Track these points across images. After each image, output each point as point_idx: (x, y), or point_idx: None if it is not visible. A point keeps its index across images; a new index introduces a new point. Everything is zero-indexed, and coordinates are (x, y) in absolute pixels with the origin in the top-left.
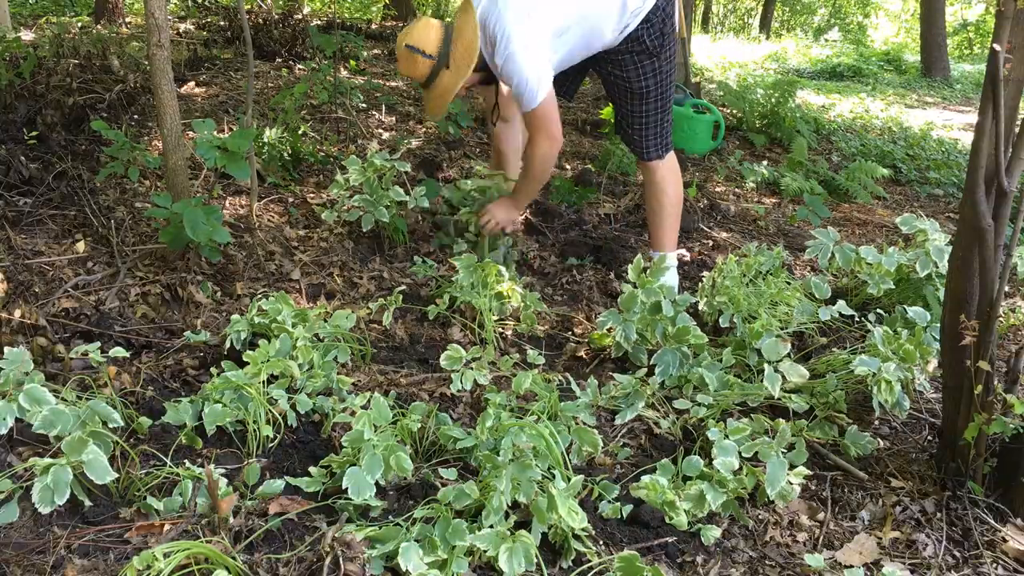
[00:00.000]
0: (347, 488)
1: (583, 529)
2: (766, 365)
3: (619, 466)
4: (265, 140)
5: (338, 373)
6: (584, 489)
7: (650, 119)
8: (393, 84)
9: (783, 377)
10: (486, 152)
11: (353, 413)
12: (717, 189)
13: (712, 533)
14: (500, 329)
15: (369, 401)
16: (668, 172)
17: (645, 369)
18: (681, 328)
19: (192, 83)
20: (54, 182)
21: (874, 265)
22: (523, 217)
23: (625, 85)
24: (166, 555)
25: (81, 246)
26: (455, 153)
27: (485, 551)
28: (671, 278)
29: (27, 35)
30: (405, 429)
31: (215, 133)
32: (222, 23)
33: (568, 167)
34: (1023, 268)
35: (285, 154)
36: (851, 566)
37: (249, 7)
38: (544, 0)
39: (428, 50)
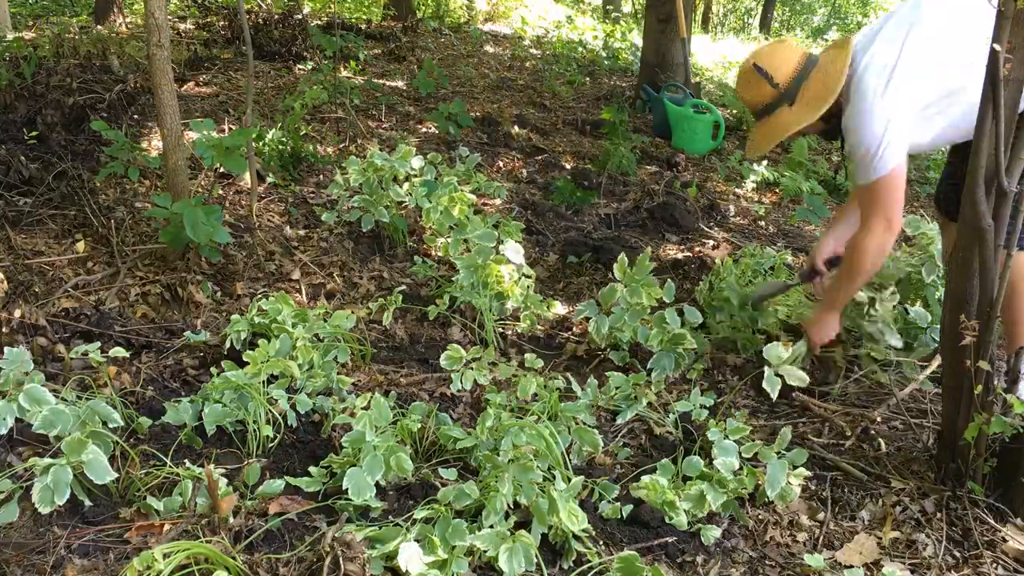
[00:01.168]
0: (347, 489)
1: (583, 530)
2: (766, 368)
3: (619, 466)
4: (266, 140)
5: (338, 373)
6: (584, 489)
7: None
8: (393, 84)
9: (782, 380)
10: (486, 153)
11: (353, 414)
12: (717, 189)
13: (712, 533)
14: (500, 329)
15: (369, 402)
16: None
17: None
18: (678, 334)
19: (192, 83)
20: (54, 182)
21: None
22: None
23: None
24: (166, 555)
25: (81, 246)
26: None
27: (485, 551)
28: None
29: (27, 35)
30: (405, 429)
31: (214, 133)
32: (222, 23)
33: (568, 166)
34: None
35: (285, 154)
36: (851, 566)
37: (249, 7)
38: (922, 68)
39: (777, 78)
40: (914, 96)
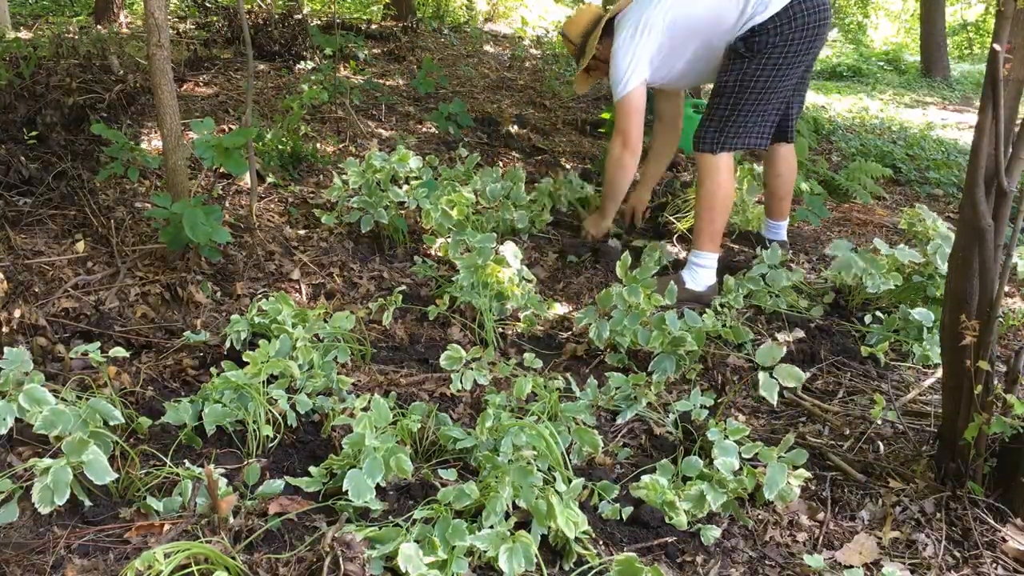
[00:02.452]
0: (347, 490)
1: (583, 532)
2: (761, 372)
3: (619, 466)
4: (266, 139)
5: (338, 373)
6: (584, 489)
7: (715, 113)
8: (393, 84)
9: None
10: (486, 153)
11: (353, 414)
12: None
13: (712, 533)
14: (500, 329)
15: (369, 403)
16: (712, 170)
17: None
18: (678, 336)
19: (192, 83)
20: (54, 182)
21: (877, 261)
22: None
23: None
24: (166, 556)
25: (81, 246)
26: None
27: (485, 551)
28: (706, 278)
29: (26, 35)
30: (405, 429)
31: (215, 132)
32: (222, 23)
33: (568, 167)
34: (1023, 268)
35: (285, 154)
36: (851, 566)
37: (249, 7)
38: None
39: (571, 36)
40: (652, 41)
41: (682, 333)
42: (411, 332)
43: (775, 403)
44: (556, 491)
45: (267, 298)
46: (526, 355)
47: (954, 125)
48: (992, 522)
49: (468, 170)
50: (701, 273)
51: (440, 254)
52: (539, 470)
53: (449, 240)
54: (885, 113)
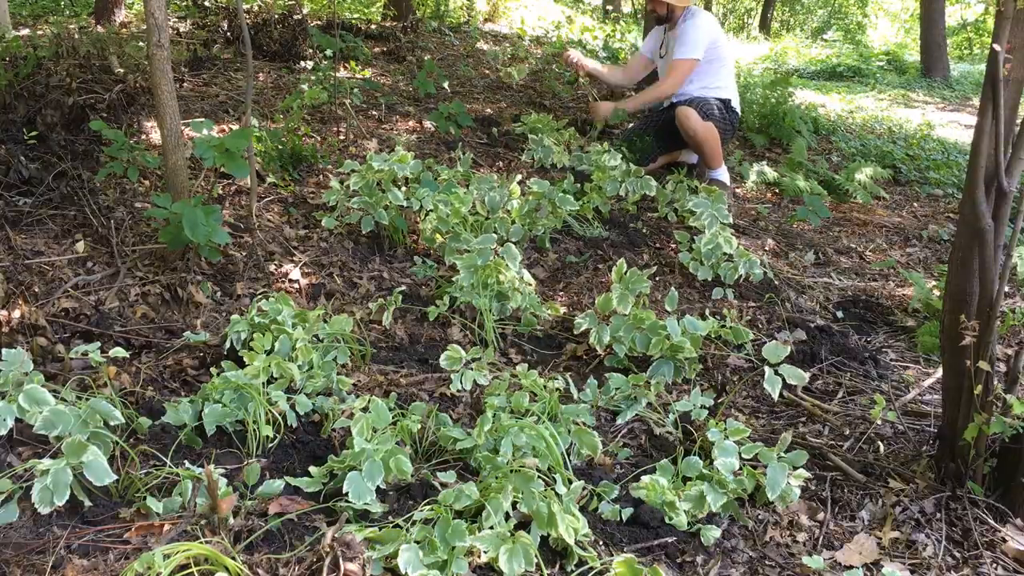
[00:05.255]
0: (347, 492)
1: (583, 535)
2: (766, 368)
3: (619, 466)
4: (265, 140)
5: (338, 374)
6: (584, 490)
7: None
8: (393, 84)
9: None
10: (485, 152)
11: (352, 415)
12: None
13: (712, 533)
14: (500, 329)
15: (367, 404)
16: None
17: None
18: (677, 343)
19: (192, 83)
20: (54, 182)
21: None
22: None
23: None
24: (166, 556)
25: (81, 246)
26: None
27: (485, 552)
28: (726, 178)
29: (24, 32)
30: (405, 430)
31: (215, 132)
32: (222, 23)
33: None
34: (1023, 268)
35: (285, 154)
36: (851, 566)
37: (248, 6)
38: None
39: None
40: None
41: (681, 340)
42: (411, 332)
43: (776, 398)
44: (556, 493)
45: (267, 298)
46: (518, 367)
47: (949, 124)
48: (992, 522)
49: (466, 171)
50: (723, 175)
51: (440, 253)
52: (539, 471)
53: (448, 239)
54: (886, 113)
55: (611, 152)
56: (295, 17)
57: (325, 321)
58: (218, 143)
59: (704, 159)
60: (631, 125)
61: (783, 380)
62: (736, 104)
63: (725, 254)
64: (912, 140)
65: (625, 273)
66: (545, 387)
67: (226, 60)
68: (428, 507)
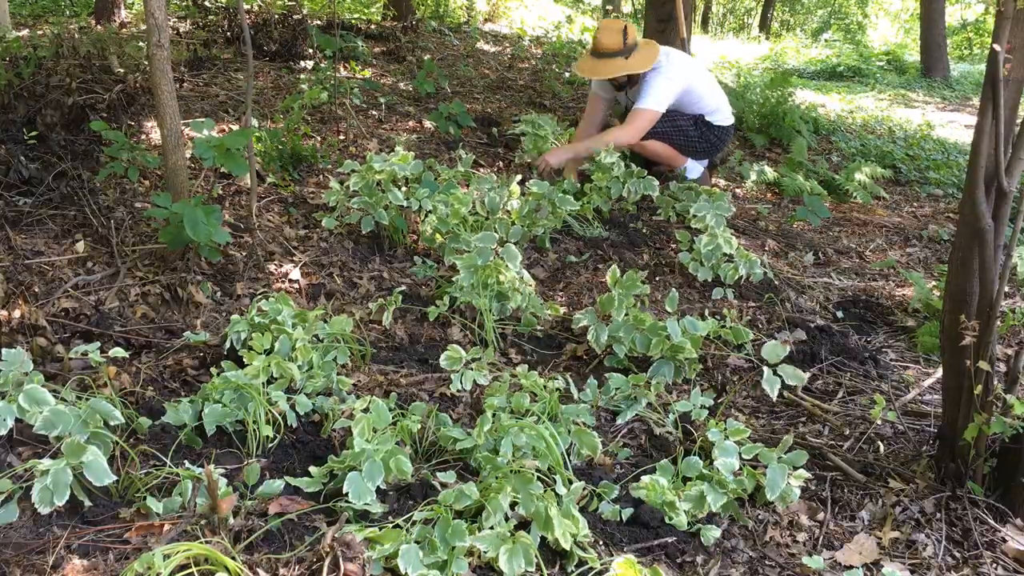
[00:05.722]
0: (347, 493)
1: (583, 536)
2: (765, 368)
3: (619, 466)
4: (265, 139)
5: (338, 374)
6: (584, 490)
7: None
8: (393, 84)
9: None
10: (485, 151)
11: (352, 415)
12: (718, 189)
13: (712, 533)
14: (500, 329)
15: (368, 405)
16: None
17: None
18: (677, 344)
19: (192, 83)
20: (54, 182)
21: None
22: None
23: None
24: (166, 556)
25: (81, 246)
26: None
27: (485, 552)
28: (694, 171)
29: (24, 33)
30: (405, 430)
31: (215, 132)
32: (222, 23)
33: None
34: (1023, 268)
35: (285, 154)
36: (851, 566)
37: (248, 6)
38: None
39: (628, 40)
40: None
41: (682, 340)
42: (411, 332)
43: (775, 398)
44: (556, 494)
45: (267, 298)
46: (518, 368)
47: (949, 124)
48: (992, 522)
49: (467, 170)
50: (693, 171)
51: (440, 253)
52: (539, 471)
53: (447, 239)
54: (885, 113)
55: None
56: (295, 17)
57: (325, 321)
58: (217, 143)
59: (665, 165)
60: None
61: (782, 380)
62: (722, 119)
63: (725, 254)
64: (912, 140)
65: (620, 278)
66: (545, 387)
67: (226, 60)
68: (428, 507)
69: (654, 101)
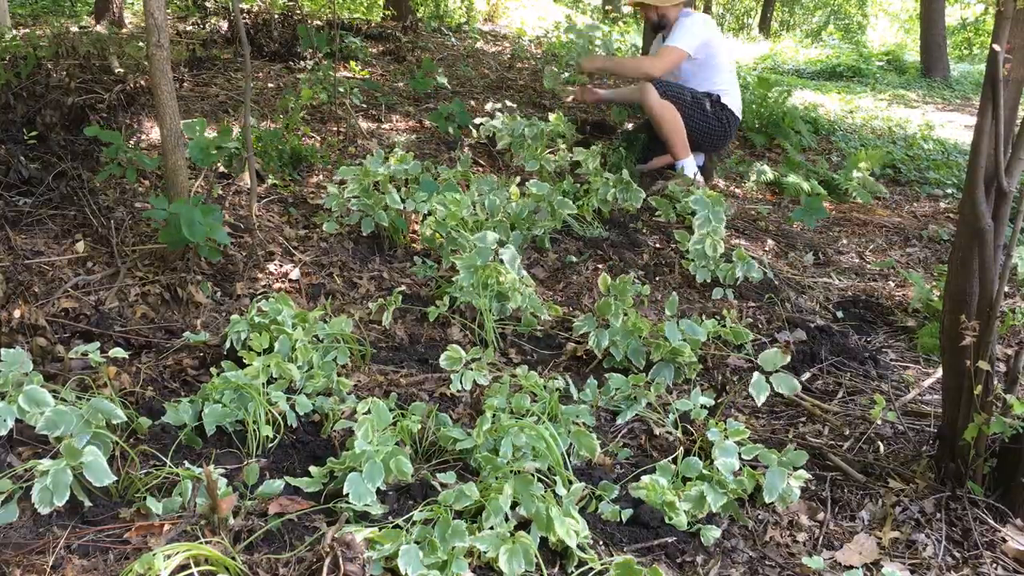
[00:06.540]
0: (347, 494)
1: (584, 536)
2: (755, 374)
3: (619, 466)
4: (264, 139)
5: (338, 374)
6: (584, 490)
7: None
8: (393, 84)
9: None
10: (485, 151)
11: (353, 416)
12: (717, 188)
13: (712, 533)
14: (500, 329)
15: (369, 407)
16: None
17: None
18: (676, 347)
19: (192, 83)
20: (54, 182)
21: None
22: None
23: None
24: (166, 556)
25: (81, 246)
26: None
27: (485, 552)
28: (691, 168)
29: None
30: (405, 430)
31: (208, 132)
32: (222, 23)
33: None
34: (1023, 268)
35: (284, 154)
36: (851, 566)
37: (249, 7)
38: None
39: None
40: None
41: (680, 344)
42: (411, 332)
43: (760, 404)
44: (556, 494)
45: (267, 298)
46: (518, 369)
47: (949, 124)
48: (992, 522)
49: (466, 171)
50: (689, 168)
51: (439, 253)
52: (539, 471)
53: (446, 239)
54: (884, 113)
55: (609, 150)
56: (295, 17)
57: (325, 321)
58: (208, 143)
59: (668, 146)
60: (630, 126)
61: (771, 388)
62: (734, 106)
63: (721, 255)
64: (912, 140)
65: (612, 282)
66: (545, 387)
67: (226, 60)
68: (428, 507)
69: (682, 40)
